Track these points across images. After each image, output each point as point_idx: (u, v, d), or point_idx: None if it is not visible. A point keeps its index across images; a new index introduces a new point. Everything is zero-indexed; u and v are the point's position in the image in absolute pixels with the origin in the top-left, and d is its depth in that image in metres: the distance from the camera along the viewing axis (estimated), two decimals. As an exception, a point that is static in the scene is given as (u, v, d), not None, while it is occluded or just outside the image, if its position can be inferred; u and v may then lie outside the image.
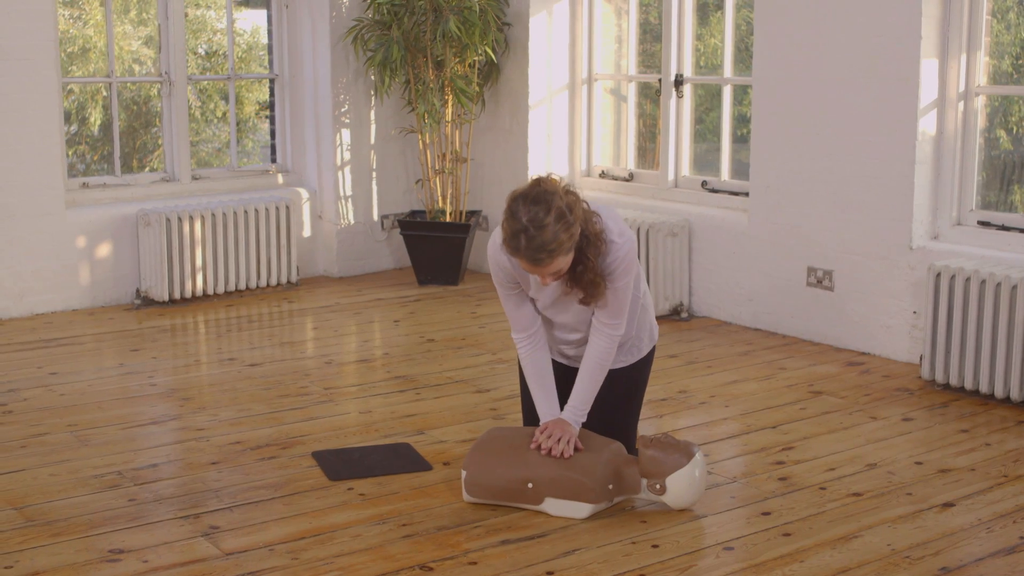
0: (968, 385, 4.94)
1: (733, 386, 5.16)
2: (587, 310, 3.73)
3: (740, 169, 6.53)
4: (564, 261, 3.47)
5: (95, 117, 9.12)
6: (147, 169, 8.82)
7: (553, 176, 3.53)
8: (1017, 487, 3.96)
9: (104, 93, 8.81)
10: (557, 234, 3.39)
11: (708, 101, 6.81)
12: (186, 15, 7.04)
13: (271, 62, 7.49)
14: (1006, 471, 4.11)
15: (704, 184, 6.54)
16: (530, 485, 3.70)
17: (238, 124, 9.71)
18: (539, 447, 3.73)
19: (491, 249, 3.69)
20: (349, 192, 7.38)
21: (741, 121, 6.70)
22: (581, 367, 3.78)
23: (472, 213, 7.35)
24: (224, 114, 9.76)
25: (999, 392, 4.84)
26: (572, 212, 3.44)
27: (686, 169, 6.69)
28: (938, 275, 5.01)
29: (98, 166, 9.20)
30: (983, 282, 4.86)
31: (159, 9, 6.88)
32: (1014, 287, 4.77)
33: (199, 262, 6.65)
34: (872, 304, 5.57)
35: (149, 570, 3.33)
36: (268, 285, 6.99)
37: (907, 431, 4.56)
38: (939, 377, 5.04)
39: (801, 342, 5.85)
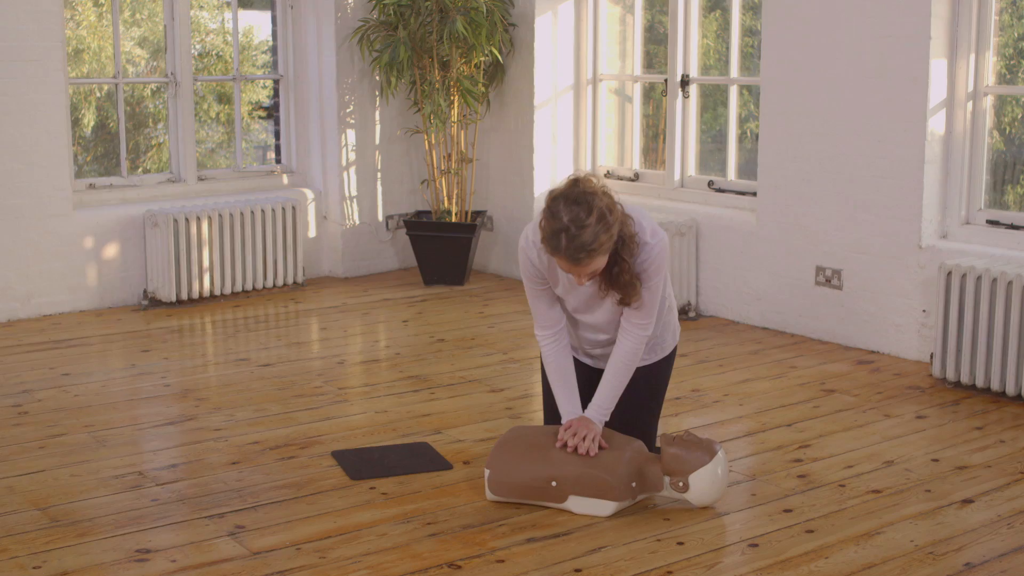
0: (979, 383, 4.97)
1: (745, 384, 5.18)
2: (615, 311, 3.76)
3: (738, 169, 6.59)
4: (601, 261, 3.50)
5: (88, 118, 9.11)
6: (140, 170, 8.83)
7: (591, 176, 3.55)
8: (1035, 483, 4.00)
9: (97, 94, 8.80)
10: (598, 234, 3.42)
11: (700, 101, 6.82)
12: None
13: (275, 63, 7.50)
14: (1022, 467, 4.15)
15: (711, 184, 6.56)
16: (554, 483, 3.71)
17: (232, 124, 9.71)
18: (564, 445, 3.75)
19: (522, 245, 3.72)
20: (354, 193, 7.39)
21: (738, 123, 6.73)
22: (608, 366, 3.80)
23: (478, 213, 7.37)
24: (218, 115, 9.76)
25: (1010, 390, 4.87)
26: (612, 213, 3.47)
27: (692, 169, 6.72)
28: (949, 274, 5.04)
29: (90, 167, 9.20)
30: (994, 280, 4.89)
31: (165, 10, 6.89)
32: (1026, 285, 4.81)
33: (206, 263, 6.65)
34: (881, 303, 5.61)
35: (178, 569, 3.34)
36: (275, 286, 7.00)
37: (921, 428, 4.59)
38: (950, 375, 5.07)
39: (810, 341, 5.87)
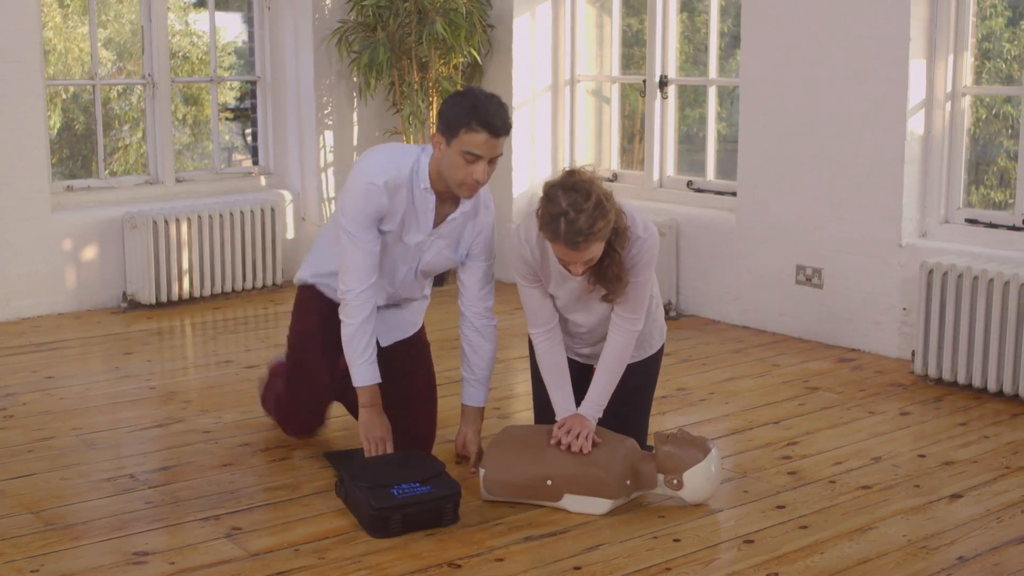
0: (961, 380, 5.04)
1: (730, 383, 5.22)
2: (605, 309, 3.79)
3: (702, 169, 6.64)
4: (597, 249, 3.53)
5: (54, 120, 9.05)
6: (107, 172, 8.79)
7: (585, 167, 3.59)
8: (1021, 478, 4.05)
9: (63, 96, 8.73)
10: (595, 219, 3.45)
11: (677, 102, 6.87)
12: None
13: (252, 64, 7.48)
14: (1008, 463, 4.21)
15: (690, 184, 6.60)
16: (549, 482, 3.73)
17: (198, 126, 9.67)
18: (559, 443, 3.77)
19: (514, 243, 3.74)
20: (332, 194, 7.37)
21: (703, 123, 6.79)
22: (600, 363, 3.83)
23: (456, 214, 7.37)
24: (184, 116, 9.71)
25: (992, 386, 4.94)
26: (608, 201, 3.51)
27: (671, 169, 6.76)
28: (930, 272, 5.10)
29: (56, 170, 9.13)
30: (975, 278, 4.96)
31: (142, 12, 6.85)
32: (1006, 283, 4.87)
33: (185, 265, 6.63)
34: (862, 301, 5.66)
35: (177, 572, 3.33)
36: (254, 287, 6.98)
37: (906, 425, 4.65)
38: (931, 372, 5.13)
39: (791, 339, 5.93)
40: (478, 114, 3.59)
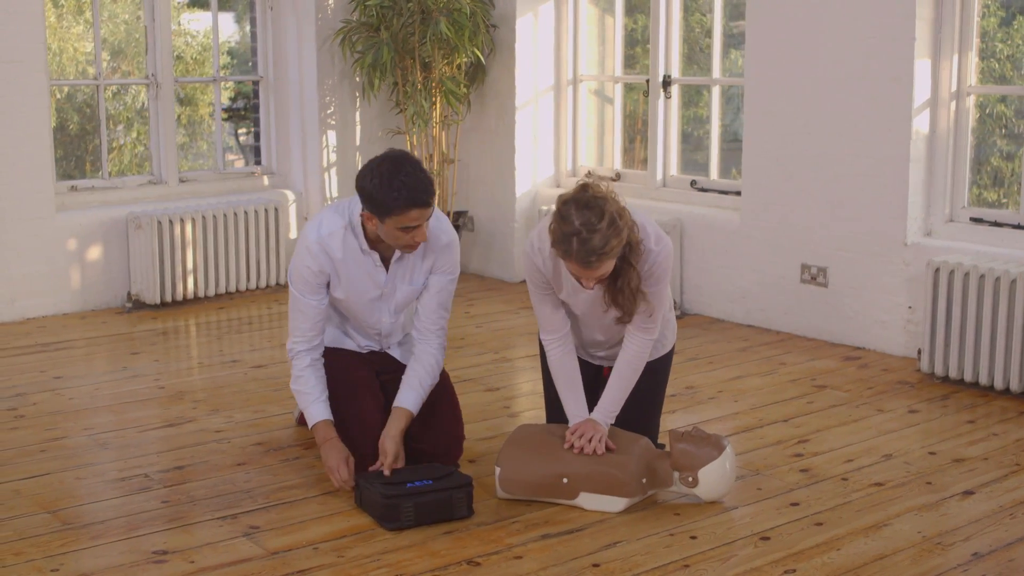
0: (968, 377, 5.06)
1: (738, 381, 5.24)
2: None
3: (695, 167, 6.66)
4: (610, 265, 3.54)
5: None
6: (100, 173, 8.78)
7: (599, 181, 3.58)
8: (1032, 475, 4.09)
9: (57, 96, 8.72)
10: (608, 239, 3.45)
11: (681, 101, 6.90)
12: (139, 17, 7.00)
13: (255, 64, 7.48)
14: (1018, 459, 4.23)
15: (693, 183, 6.63)
16: (565, 480, 3.75)
17: (192, 126, 9.66)
18: (571, 447, 3.78)
19: (527, 251, 3.75)
20: (335, 194, 7.38)
21: (697, 122, 6.82)
22: (614, 370, 3.85)
23: (459, 213, 7.39)
24: (178, 116, 9.73)
25: (999, 384, 4.97)
26: (621, 218, 3.50)
27: (674, 168, 6.78)
28: (937, 270, 5.13)
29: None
30: (982, 277, 4.99)
31: (145, 11, 6.85)
32: (1013, 281, 4.90)
33: (190, 264, 6.62)
34: (867, 300, 5.69)
35: (197, 571, 3.33)
36: (257, 287, 6.98)
37: (915, 423, 4.67)
38: (938, 370, 5.15)
39: (796, 338, 5.95)
40: (403, 197, 3.63)
